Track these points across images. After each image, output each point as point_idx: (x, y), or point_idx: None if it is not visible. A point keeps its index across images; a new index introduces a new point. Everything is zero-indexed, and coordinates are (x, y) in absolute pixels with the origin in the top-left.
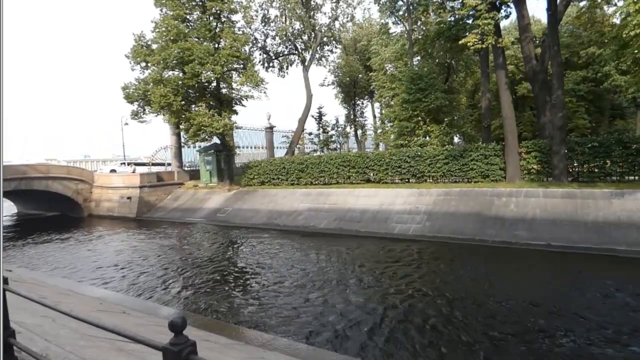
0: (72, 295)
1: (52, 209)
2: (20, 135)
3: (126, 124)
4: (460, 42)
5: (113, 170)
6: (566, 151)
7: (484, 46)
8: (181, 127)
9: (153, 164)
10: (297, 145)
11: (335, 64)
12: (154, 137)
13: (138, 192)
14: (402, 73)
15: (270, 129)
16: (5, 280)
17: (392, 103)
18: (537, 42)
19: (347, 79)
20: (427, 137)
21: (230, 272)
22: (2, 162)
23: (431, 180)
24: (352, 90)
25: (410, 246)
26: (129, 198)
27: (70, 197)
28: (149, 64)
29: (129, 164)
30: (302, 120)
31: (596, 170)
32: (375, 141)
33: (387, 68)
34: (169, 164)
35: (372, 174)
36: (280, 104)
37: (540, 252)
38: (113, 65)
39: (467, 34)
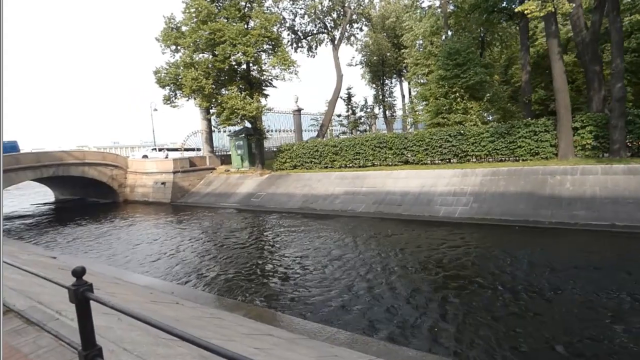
0: (121, 284)
1: (88, 194)
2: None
3: (155, 109)
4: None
5: (145, 156)
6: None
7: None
8: (212, 111)
9: (185, 150)
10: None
11: (363, 42)
12: (183, 122)
13: (172, 177)
14: (438, 48)
15: (298, 112)
16: (90, 288)
17: (427, 80)
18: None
19: (375, 57)
20: (466, 115)
21: (274, 259)
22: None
23: (475, 160)
24: (380, 69)
25: (458, 229)
26: (163, 183)
27: (106, 182)
28: (180, 47)
29: (160, 149)
30: (333, 102)
31: None
32: (411, 120)
33: (420, 44)
34: (199, 149)
35: (410, 155)
36: (307, 86)
37: (604, 232)
38: (143, 50)
39: (505, 4)
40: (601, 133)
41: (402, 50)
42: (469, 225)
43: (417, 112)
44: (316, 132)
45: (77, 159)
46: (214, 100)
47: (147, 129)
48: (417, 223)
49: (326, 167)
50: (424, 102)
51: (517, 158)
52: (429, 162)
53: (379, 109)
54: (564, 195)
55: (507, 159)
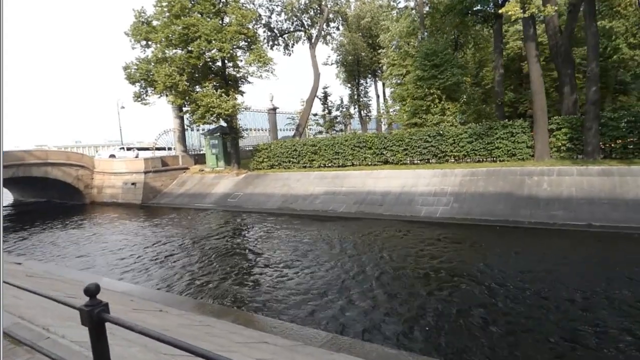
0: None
1: (51, 196)
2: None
3: (122, 107)
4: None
5: (112, 156)
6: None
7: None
8: (186, 108)
9: (156, 149)
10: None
11: (338, 41)
12: (151, 121)
13: (143, 177)
14: (415, 49)
15: (273, 111)
16: (106, 308)
17: (405, 81)
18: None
19: (351, 57)
20: (444, 116)
21: (256, 262)
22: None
23: (453, 160)
24: (355, 69)
25: (440, 229)
26: (133, 184)
27: (71, 183)
28: (151, 42)
29: (129, 148)
30: (310, 101)
31: (631, 146)
32: (387, 121)
33: (397, 44)
34: (170, 148)
35: (389, 155)
36: (283, 84)
37: (582, 232)
38: (108, 45)
39: (479, 6)
40: (575, 135)
41: (379, 50)
42: (450, 225)
43: (394, 113)
44: (292, 131)
45: (39, 159)
46: (187, 97)
47: (111, 128)
48: (399, 223)
49: (305, 167)
50: (401, 103)
51: (495, 159)
52: (408, 162)
53: (354, 108)
54: (541, 195)
55: (485, 159)
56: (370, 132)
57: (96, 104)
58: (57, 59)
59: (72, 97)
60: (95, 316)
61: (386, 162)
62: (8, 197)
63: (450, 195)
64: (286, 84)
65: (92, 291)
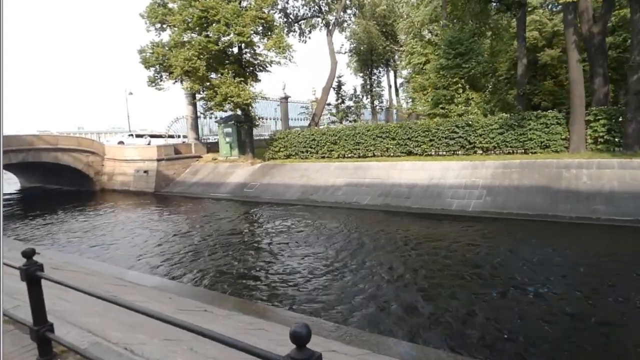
0: (130, 287)
1: (59, 182)
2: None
3: (131, 93)
4: None
5: (121, 142)
6: None
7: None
8: (201, 95)
9: (169, 136)
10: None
11: (351, 30)
12: (158, 108)
13: (156, 165)
14: (439, 37)
15: (285, 99)
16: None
17: (426, 69)
18: None
19: (365, 46)
20: (468, 107)
21: (280, 256)
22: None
23: (481, 152)
24: (368, 58)
25: (475, 223)
26: (145, 172)
27: (81, 170)
28: (167, 25)
29: (139, 135)
30: (327, 90)
31: None
32: (406, 111)
33: (417, 32)
34: (179, 136)
35: (414, 146)
36: (294, 72)
37: (630, 229)
38: (112, 31)
39: None
40: (614, 127)
41: (399, 38)
42: (485, 219)
43: (409, 103)
44: (303, 121)
45: (49, 144)
46: (205, 83)
47: (116, 114)
48: (429, 217)
49: (323, 157)
50: (422, 92)
51: (527, 150)
52: (433, 153)
53: (367, 98)
54: (581, 189)
55: (516, 151)
56: (395, 122)
57: (100, 90)
58: (60, 43)
59: (75, 82)
60: (30, 273)
61: (410, 153)
62: (15, 183)
63: (483, 188)
64: (296, 72)
65: (28, 254)
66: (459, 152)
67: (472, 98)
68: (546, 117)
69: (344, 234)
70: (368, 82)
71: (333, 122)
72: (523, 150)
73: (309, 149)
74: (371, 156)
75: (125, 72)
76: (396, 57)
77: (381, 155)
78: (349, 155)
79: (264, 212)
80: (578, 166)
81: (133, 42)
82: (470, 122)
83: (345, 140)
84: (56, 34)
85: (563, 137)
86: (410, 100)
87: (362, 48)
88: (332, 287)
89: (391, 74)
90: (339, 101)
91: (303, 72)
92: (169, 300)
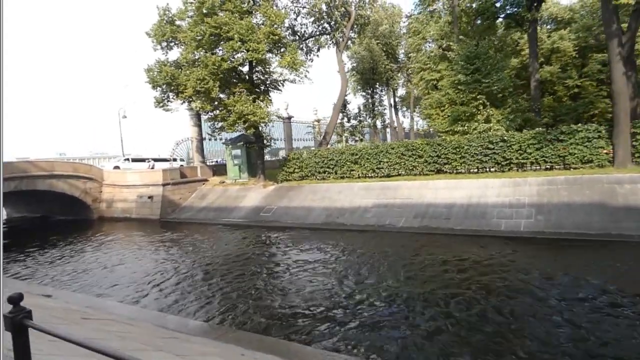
0: (180, 339)
1: (51, 211)
2: None
3: (124, 116)
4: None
5: (117, 167)
6: None
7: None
8: (211, 115)
9: (158, 160)
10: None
11: (353, 49)
12: (150, 131)
13: (161, 190)
14: (455, 52)
15: (288, 120)
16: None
17: (440, 86)
18: None
19: (368, 64)
20: (489, 123)
21: (324, 292)
22: (2, 166)
23: (516, 169)
24: (370, 77)
25: (532, 246)
26: (150, 197)
27: (78, 197)
28: (173, 44)
29: (133, 159)
30: (338, 107)
31: None
32: (425, 127)
33: (428, 48)
34: (175, 159)
35: (443, 163)
36: (294, 92)
37: None
38: (95, 52)
39: (514, 9)
40: None
41: (400, 58)
42: (541, 240)
43: (431, 119)
44: (306, 141)
45: (43, 171)
46: (217, 103)
47: (97, 139)
48: (477, 238)
49: (342, 178)
50: (439, 109)
51: (567, 166)
52: (464, 171)
53: (370, 118)
54: None
55: (554, 167)
56: (423, 139)
57: (81, 115)
58: (37, 66)
59: (54, 107)
60: (17, 322)
61: (439, 172)
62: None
63: (530, 206)
64: (295, 92)
65: (15, 299)
66: (492, 169)
67: (493, 115)
68: (587, 130)
69: (398, 262)
70: (370, 101)
71: (339, 141)
72: (563, 166)
73: (327, 169)
74: (396, 175)
75: (107, 96)
76: (398, 75)
77: (407, 174)
78: (371, 175)
79: (286, 238)
80: (631, 181)
81: (120, 64)
82: (505, 138)
83: (367, 159)
84: (35, 56)
85: (606, 151)
86: (426, 117)
87: (365, 66)
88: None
89: (391, 93)
90: (345, 120)
91: (302, 92)
92: (242, 356)
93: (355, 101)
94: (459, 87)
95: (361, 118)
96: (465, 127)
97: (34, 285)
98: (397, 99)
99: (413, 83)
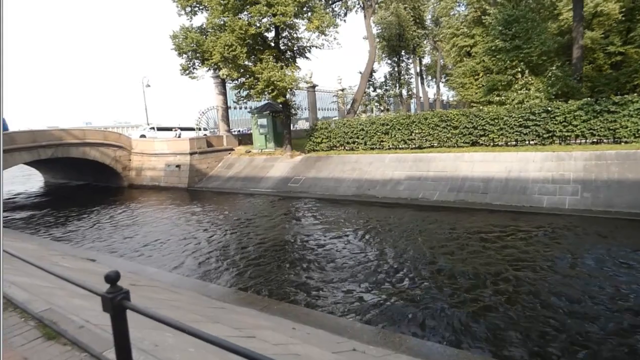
0: (227, 309)
1: (84, 178)
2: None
3: (148, 85)
4: None
5: (142, 136)
6: None
7: None
8: (238, 83)
9: (184, 129)
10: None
11: (379, 14)
12: (171, 101)
13: (189, 159)
14: (492, 16)
15: (312, 88)
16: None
17: (474, 53)
18: None
19: (394, 30)
20: (528, 92)
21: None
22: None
23: (559, 142)
24: (397, 44)
25: (582, 224)
26: (177, 166)
27: (109, 164)
28: (198, 9)
29: (158, 128)
30: (366, 76)
31: None
32: (456, 97)
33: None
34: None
35: (479, 135)
36: (316, 61)
37: None
38: (118, 25)
39: None
40: None
41: (442, 19)
42: (588, 218)
43: (464, 88)
44: (330, 111)
45: (77, 139)
46: (244, 70)
47: (120, 109)
48: (517, 214)
49: (372, 149)
50: (473, 78)
51: (618, 140)
52: (502, 143)
53: (396, 87)
54: None
55: (603, 140)
56: (458, 110)
57: (104, 85)
58: (65, 40)
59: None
60: (116, 303)
61: (474, 144)
62: (39, 179)
63: (575, 182)
64: (320, 61)
65: (112, 278)
66: (532, 142)
67: (532, 83)
68: None
69: (434, 236)
70: (396, 69)
71: (364, 111)
72: (612, 140)
73: (356, 140)
74: (428, 147)
75: (129, 66)
76: (424, 43)
77: (440, 146)
78: (402, 146)
79: (319, 209)
80: None
81: (140, 35)
82: (549, 108)
83: (399, 129)
84: (61, 30)
85: None
86: (458, 87)
87: (391, 32)
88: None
89: (417, 61)
90: (370, 89)
91: (325, 60)
92: (293, 330)
93: (380, 70)
94: (495, 54)
95: (387, 87)
96: (502, 97)
97: (79, 248)
98: (422, 68)
99: (444, 50)
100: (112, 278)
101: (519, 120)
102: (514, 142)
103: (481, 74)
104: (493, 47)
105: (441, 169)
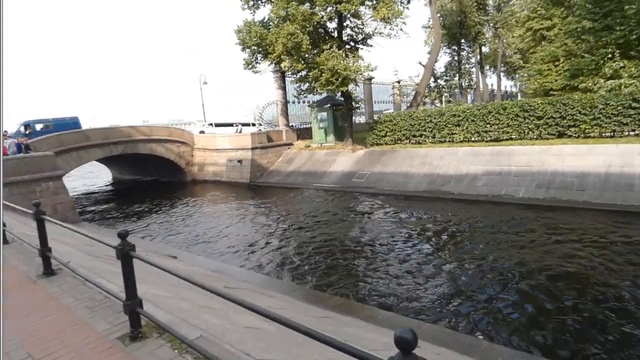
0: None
1: (150, 173)
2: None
3: (205, 83)
4: None
5: (202, 132)
6: None
7: None
8: (301, 75)
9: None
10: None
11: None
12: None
13: (250, 154)
14: None
15: (368, 81)
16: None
17: (550, 36)
18: None
19: (456, 17)
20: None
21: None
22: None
23: None
24: (458, 32)
25: None
26: (239, 161)
27: (173, 160)
28: (261, 2)
29: (217, 124)
30: (430, 65)
31: None
32: (529, 85)
33: None
34: (254, 124)
35: (567, 126)
36: (372, 51)
37: None
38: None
39: None
40: None
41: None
42: None
43: (542, 75)
44: (385, 104)
45: (144, 135)
46: (308, 61)
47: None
48: (623, 215)
49: (441, 142)
50: (554, 63)
51: None
52: (595, 134)
53: (455, 77)
54: None
55: None
56: (541, 98)
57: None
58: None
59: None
60: (124, 252)
61: (561, 135)
62: (107, 175)
63: None
64: (375, 52)
65: (123, 235)
66: (632, 133)
67: (623, 67)
68: None
69: (524, 238)
70: (456, 59)
71: (424, 102)
72: None
73: (423, 133)
74: (506, 139)
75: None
76: (484, 29)
77: (520, 139)
78: (475, 138)
79: (391, 206)
80: None
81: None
82: None
83: (472, 121)
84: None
85: None
86: (535, 74)
87: (453, 20)
88: None
89: (477, 50)
90: (431, 80)
91: (380, 51)
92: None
93: (439, 60)
94: (582, 36)
95: (447, 77)
96: (589, 83)
97: (160, 244)
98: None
99: (513, 36)
100: (123, 235)
101: (618, 108)
102: (609, 133)
103: (562, 59)
104: (579, 29)
105: (525, 163)
